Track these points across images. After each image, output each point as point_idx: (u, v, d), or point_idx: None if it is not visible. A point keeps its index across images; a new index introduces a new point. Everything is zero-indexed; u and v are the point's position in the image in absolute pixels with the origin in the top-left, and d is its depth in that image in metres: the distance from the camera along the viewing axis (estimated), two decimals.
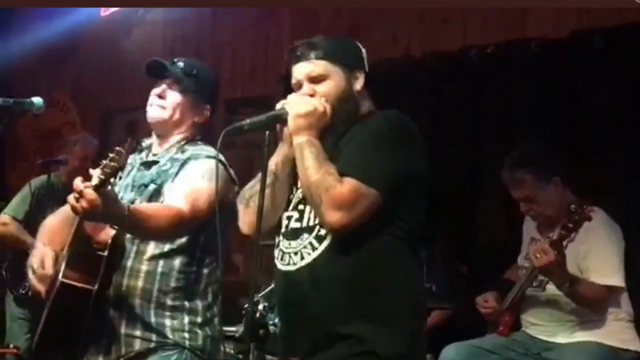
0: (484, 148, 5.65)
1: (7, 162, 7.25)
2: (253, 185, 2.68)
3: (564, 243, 3.79)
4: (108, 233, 2.96)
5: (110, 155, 2.67)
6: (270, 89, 5.69)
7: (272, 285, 4.54)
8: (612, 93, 4.92)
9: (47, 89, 6.57)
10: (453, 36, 4.95)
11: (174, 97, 3.14)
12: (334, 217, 2.46)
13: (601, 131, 5.01)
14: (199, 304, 3.07)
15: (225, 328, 4.53)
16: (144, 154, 3.24)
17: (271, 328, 4.34)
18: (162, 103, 3.14)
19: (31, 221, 5.21)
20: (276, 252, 2.67)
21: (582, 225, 3.74)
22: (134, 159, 3.24)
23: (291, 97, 2.63)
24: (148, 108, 3.17)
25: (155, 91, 3.16)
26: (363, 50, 2.73)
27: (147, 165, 3.14)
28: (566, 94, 5.20)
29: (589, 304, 3.85)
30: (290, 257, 2.61)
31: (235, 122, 2.58)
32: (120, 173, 2.83)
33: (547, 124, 5.20)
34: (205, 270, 3.10)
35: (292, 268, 2.59)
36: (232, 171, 3.13)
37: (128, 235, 3.01)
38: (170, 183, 3.02)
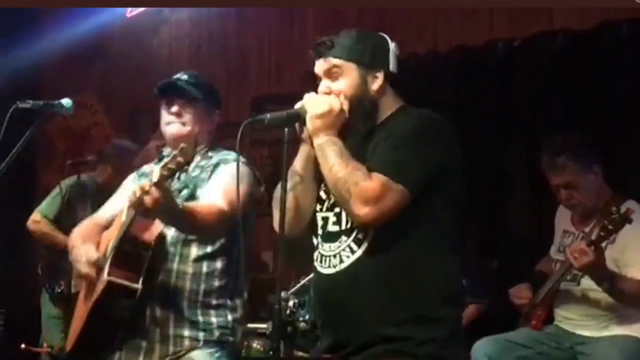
0: (511, 141, 5.62)
1: (38, 163, 7.31)
2: None
3: (603, 244, 3.73)
4: (152, 233, 3.08)
5: (175, 152, 2.82)
6: (296, 86, 5.70)
7: (302, 282, 4.58)
8: None
9: (74, 90, 6.61)
10: (479, 30, 4.93)
11: (191, 112, 3.28)
12: (363, 210, 2.47)
13: (630, 123, 4.97)
14: (237, 301, 3.24)
15: (256, 325, 4.57)
16: None
17: (302, 325, 4.36)
18: (182, 120, 3.28)
19: (62, 221, 5.27)
20: (315, 255, 2.69)
21: (623, 227, 3.68)
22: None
23: (308, 97, 2.64)
24: (166, 127, 3.31)
25: (172, 110, 3.29)
26: (392, 46, 2.69)
27: None
28: (594, 86, 5.16)
29: (629, 300, 3.80)
30: (330, 260, 2.62)
31: None
32: (186, 167, 2.94)
33: (575, 116, 5.16)
34: (243, 269, 3.24)
35: (331, 271, 2.61)
36: (257, 171, 3.31)
37: (170, 239, 3.15)
38: (203, 187, 3.17)
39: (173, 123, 3.28)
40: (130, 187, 3.37)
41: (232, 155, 3.24)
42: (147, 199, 2.79)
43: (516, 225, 5.54)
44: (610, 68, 4.99)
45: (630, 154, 4.91)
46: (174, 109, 3.27)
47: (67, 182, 5.36)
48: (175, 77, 3.36)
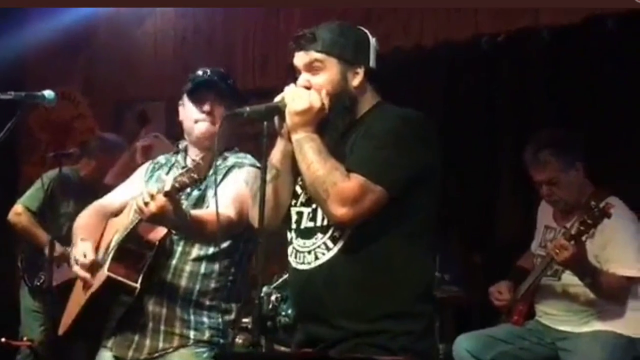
0: (497, 137, 5.62)
1: (20, 154, 7.26)
2: None
3: (583, 238, 3.74)
4: (157, 233, 3.06)
5: (189, 166, 2.81)
6: (282, 80, 5.66)
7: (285, 276, 4.56)
8: (626, 78, 4.88)
9: (58, 82, 6.56)
10: (464, 25, 4.92)
11: (221, 111, 3.17)
12: (340, 211, 2.46)
13: (616, 117, 4.98)
14: (233, 306, 3.21)
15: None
16: (180, 158, 3.31)
17: (284, 319, 4.34)
18: (213, 119, 3.18)
19: (44, 214, 5.23)
20: (289, 250, 2.67)
21: (602, 222, 3.69)
22: (171, 160, 3.34)
23: (288, 90, 2.61)
24: (194, 125, 3.20)
25: (204, 108, 3.18)
26: (372, 42, 2.66)
27: None
28: (579, 80, 5.17)
29: (610, 296, 3.82)
30: (304, 256, 2.61)
31: None
32: (198, 184, 2.90)
33: (561, 111, 5.17)
34: (242, 275, 3.24)
35: (306, 267, 2.60)
36: None
37: (174, 235, 3.12)
38: (213, 189, 3.06)
39: (202, 121, 3.18)
40: (142, 178, 3.34)
41: (248, 159, 3.22)
42: (151, 207, 2.78)
43: (501, 220, 5.55)
44: (596, 63, 5.00)
45: (618, 147, 4.92)
46: (206, 107, 3.17)
47: (49, 175, 5.32)
48: (202, 74, 3.24)
